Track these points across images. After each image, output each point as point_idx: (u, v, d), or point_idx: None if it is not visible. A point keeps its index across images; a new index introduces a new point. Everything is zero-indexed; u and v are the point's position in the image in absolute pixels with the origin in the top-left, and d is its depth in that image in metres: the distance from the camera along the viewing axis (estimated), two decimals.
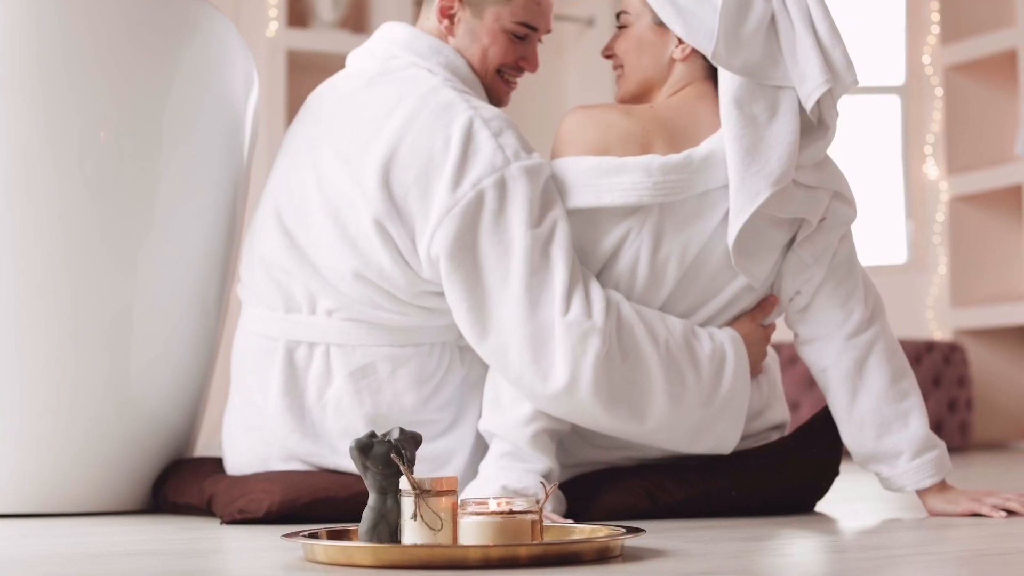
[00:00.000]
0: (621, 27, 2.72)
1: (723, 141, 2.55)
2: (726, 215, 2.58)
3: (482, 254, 2.51)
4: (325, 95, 2.80)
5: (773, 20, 2.59)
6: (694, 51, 2.65)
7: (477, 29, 2.73)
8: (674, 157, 2.55)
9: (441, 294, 2.62)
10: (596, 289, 2.52)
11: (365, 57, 2.79)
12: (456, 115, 2.58)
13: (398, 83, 2.68)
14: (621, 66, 2.73)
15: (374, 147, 2.60)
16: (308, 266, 2.68)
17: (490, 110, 2.61)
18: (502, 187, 2.52)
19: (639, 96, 2.73)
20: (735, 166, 2.52)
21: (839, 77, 2.57)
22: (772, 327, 2.73)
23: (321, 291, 2.67)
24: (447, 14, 2.74)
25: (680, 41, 2.65)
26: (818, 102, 2.58)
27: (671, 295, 2.62)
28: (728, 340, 2.62)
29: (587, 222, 2.58)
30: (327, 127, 2.71)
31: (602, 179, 2.55)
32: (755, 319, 2.68)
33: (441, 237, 2.52)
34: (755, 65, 2.56)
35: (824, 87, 2.54)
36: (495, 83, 2.78)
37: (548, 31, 2.80)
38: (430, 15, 2.77)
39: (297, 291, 2.70)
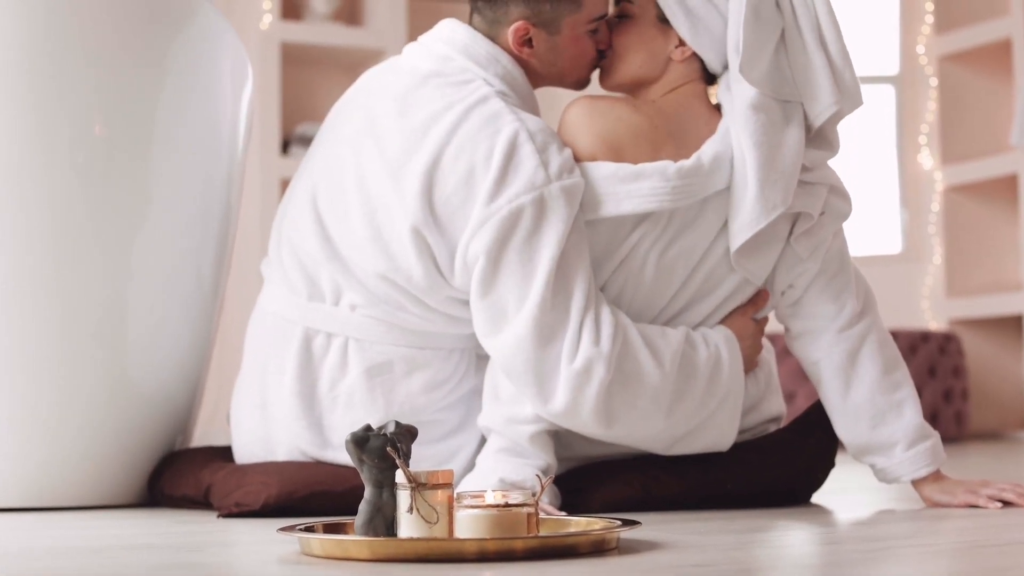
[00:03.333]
0: (621, 16, 2.70)
1: (726, 144, 2.57)
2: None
3: (507, 271, 2.50)
4: (375, 88, 2.75)
5: (783, 36, 2.59)
6: (693, 53, 2.65)
7: (558, 44, 2.68)
8: (686, 162, 2.55)
9: (467, 303, 2.62)
10: (606, 314, 2.51)
11: (421, 54, 2.72)
12: (502, 126, 2.55)
13: (449, 88, 2.63)
14: (612, 56, 2.72)
15: (418, 155, 2.57)
16: (337, 260, 2.67)
17: (536, 122, 2.57)
18: (540, 206, 2.50)
19: (627, 90, 2.71)
20: (756, 173, 2.52)
21: (849, 98, 2.60)
22: (765, 321, 2.73)
23: (348, 285, 2.66)
24: (523, 40, 2.66)
25: (681, 42, 2.64)
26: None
27: (675, 294, 2.62)
28: (723, 341, 2.63)
29: (602, 230, 2.57)
30: (373, 124, 2.67)
31: (620, 186, 2.54)
32: (746, 314, 2.68)
33: (474, 247, 2.51)
34: (769, 78, 2.57)
35: (834, 107, 2.57)
36: (587, 75, 2.74)
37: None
38: (498, 41, 2.67)
39: (323, 281, 2.69)
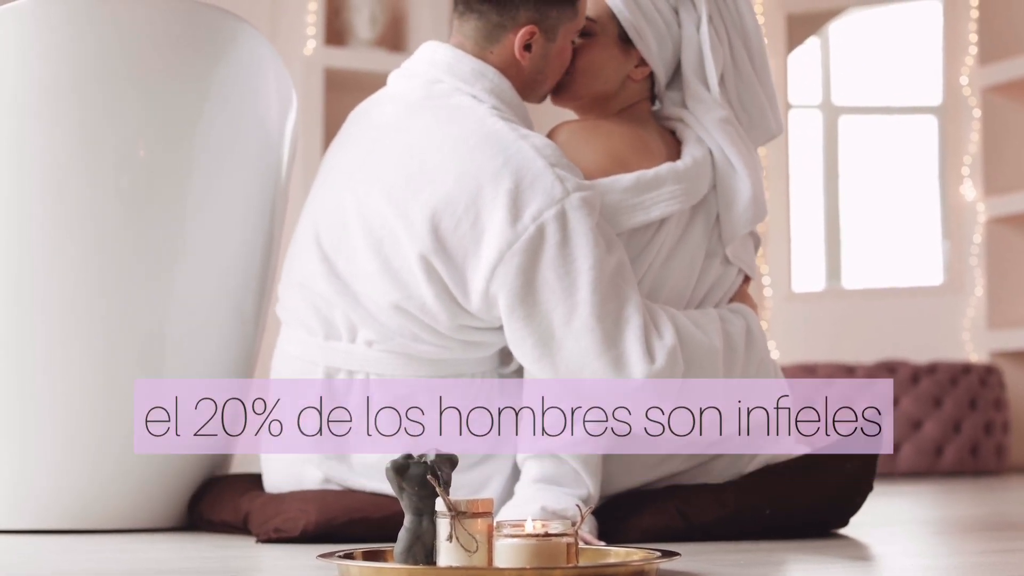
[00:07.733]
0: (583, 35, 2.74)
1: (702, 149, 2.69)
2: (717, 216, 2.71)
3: (547, 289, 2.49)
4: (366, 119, 2.75)
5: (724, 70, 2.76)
6: (649, 73, 2.76)
7: (550, 52, 2.69)
8: (687, 161, 2.66)
9: (483, 329, 2.61)
10: (654, 306, 2.56)
11: (407, 78, 2.73)
12: (506, 145, 2.54)
13: (443, 111, 2.63)
14: (575, 72, 2.75)
15: (419, 181, 2.56)
16: (348, 295, 2.66)
17: (541, 139, 2.58)
18: (563, 219, 2.49)
19: (587, 106, 2.78)
20: (747, 179, 2.69)
21: (780, 127, 2.82)
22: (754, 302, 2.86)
23: (361, 321, 2.65)
24: (525, 44, 2.66)
25: (641, 62, 2.74)
26: None
27: (694, 286, 2.70)
28: (745, 312, 2.73)
29: (632, 239, 2.61)
30: (369, 155, 2.67)
31: (644, 195, 2.60)
32: (744, 291, 2.80)
33: (503, 273, 2.50)
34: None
35: (774, 132, 2.81)
36: (553, 88, 2.77)
37: None
38: (494, 48, 2.67)
39: (337, 319, 2.68)
